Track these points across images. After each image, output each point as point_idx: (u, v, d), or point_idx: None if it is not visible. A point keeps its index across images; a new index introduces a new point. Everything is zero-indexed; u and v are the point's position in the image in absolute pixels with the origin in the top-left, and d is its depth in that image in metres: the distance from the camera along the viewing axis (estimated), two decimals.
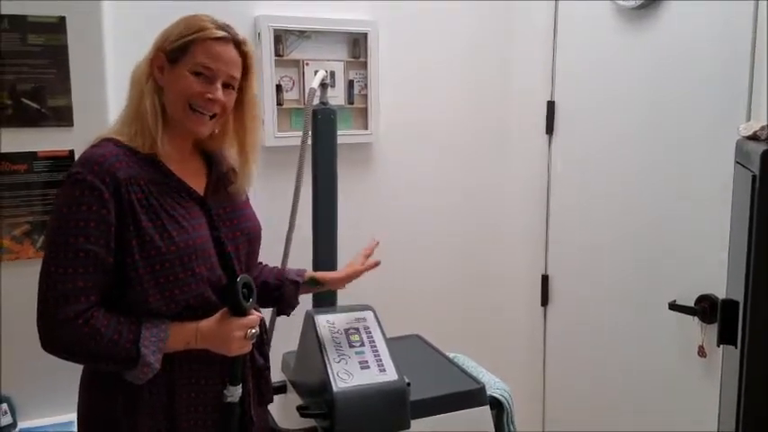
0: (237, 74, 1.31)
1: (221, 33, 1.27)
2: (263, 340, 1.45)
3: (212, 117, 1.31)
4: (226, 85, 1.30)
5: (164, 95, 1.29)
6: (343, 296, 1.87)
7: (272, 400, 1.52)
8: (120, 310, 1.23)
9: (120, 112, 1.33)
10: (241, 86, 1.34)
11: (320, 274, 1.59)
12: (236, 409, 1.34)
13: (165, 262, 1.22)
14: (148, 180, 1.25)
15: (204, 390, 1.31)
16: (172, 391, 1.28)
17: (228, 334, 1.28)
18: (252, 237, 1.41)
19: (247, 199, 1.48)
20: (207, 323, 1.28)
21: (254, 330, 1.32)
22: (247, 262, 1.41)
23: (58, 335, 1.17)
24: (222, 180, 1.40)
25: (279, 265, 1.85)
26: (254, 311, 1.33)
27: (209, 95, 1.27)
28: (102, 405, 1.27)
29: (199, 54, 1.26)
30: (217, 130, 1.37)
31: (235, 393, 1.33)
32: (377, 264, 1.58)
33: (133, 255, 1.21)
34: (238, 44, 1.30)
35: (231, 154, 1.40)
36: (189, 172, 1.34)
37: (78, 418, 1.33)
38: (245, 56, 1.32)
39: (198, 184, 1.35)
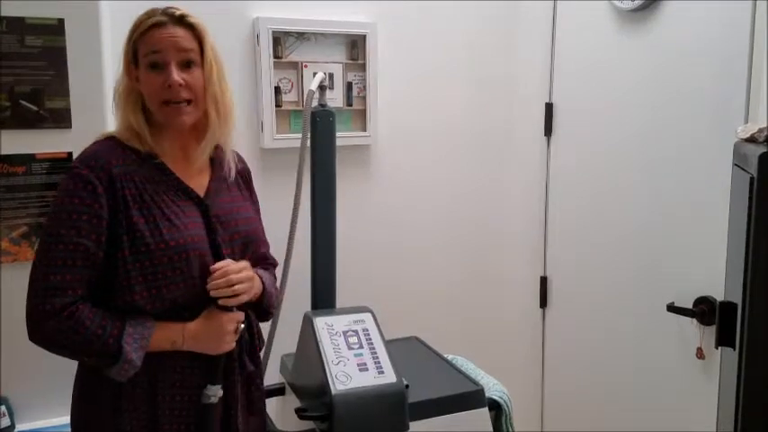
0: (190, 47, 1.27)
1: (155, 19, 1.25)
2: (255, 346, 1.44)
3: (189, 103, 1.28)
4: (185, 65, 1.27)
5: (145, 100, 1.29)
6: (341, 298, 1.87)
7: (263, 409, 1.50)
8: (107, 307, 1.23)
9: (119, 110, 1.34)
10: (201, 60, 1.29)
11: None
12: (214, 410, 1.32)
13: (154, 259, 1.23)
14: (144, 177, 1.26)
15: (187, 392, 1.30)
16: (154, 391, 1.27)
17: (221, 329, 1.29)
18: (248, 240, 1.40)
19: (253, 199, 1.48)
20: (195, 323, 1.28)
21: (242, 324, 1.34)
22: None
23: (43, 326, 1.18)
24: (226, 182, 1.40)
25: (282, 266, 1.85)
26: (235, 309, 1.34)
27: (168, 83, 1.24)
28: (90, 409, 1.28)
29: (143, 47, 1.26)
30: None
31: (216, 393, 1.31)
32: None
33: (123, 250, 1.21)
34: (179, 20, 1.27)
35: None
36: (193, 172, 1.34)
37: (71, 420, 1.34)
38: (192, 29, 1.28)
39: (200, 184, 1.35)
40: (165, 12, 1.27)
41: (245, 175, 1.49)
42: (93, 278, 1.22)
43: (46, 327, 1.18)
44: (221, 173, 1.39)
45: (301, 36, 2.12)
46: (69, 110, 1.73)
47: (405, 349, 1.93)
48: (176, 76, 1.24)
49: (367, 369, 1.54)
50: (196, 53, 1.28)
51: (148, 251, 1.22)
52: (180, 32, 1.26)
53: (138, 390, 1.26)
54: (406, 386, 1.53)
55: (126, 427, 1.25)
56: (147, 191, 1.25)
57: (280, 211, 1.81)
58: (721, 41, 1.72)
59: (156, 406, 1.27)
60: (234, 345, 1.34)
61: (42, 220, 1.73)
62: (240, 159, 1.48)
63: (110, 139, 1.28)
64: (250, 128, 2.09)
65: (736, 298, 1.23)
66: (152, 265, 1.23)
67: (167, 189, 1.29)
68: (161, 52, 1.24)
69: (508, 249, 2.56)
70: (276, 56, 2.08)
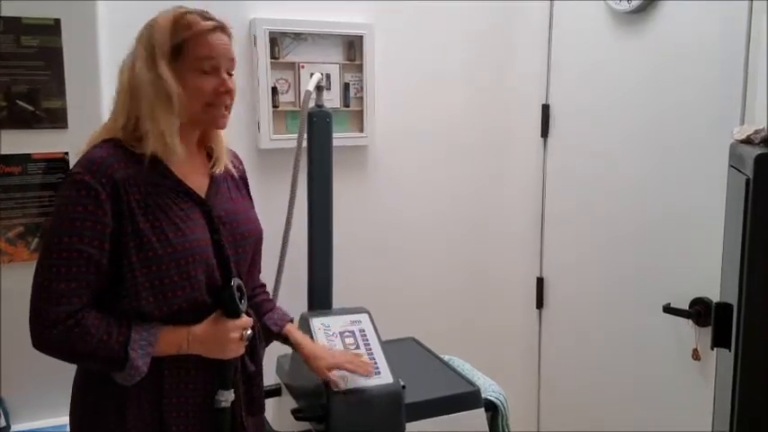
0: (233, 57, 1.31)
1: (210, 24, 1.26)
2: (255, 346, 1.43)
3: (226, 108, 1.31)
4: (228, 73, 1.30)
5: None
6: (338, 299, 1.87)
7: (263, 409, 1.49)
8: (113, 313, 1.22)
9: (116, 110, 1.29)
10: None
11: (296, 341, 1.53)
12: (227, 414, 1.32)
13: (162, 264, 1.22)
14: (146, 181, 1.24)
15: (193, 394, 1.29)
16: (160, 395, 1.26)
17: (225, 336, 1.28)
18: (252, 240, 1.39)
19: (251, 200, 1.47)
20: (200, 327, 1.27)
21: (249, 332, 1.32)
22: (245, 266, 1.39)
23: (48, 334, 1.17)
24: (225, 181, 1.40)
25: (276, 267, 1.85)
26: (244, 315, 1.33)
27: (222, 88, 1.28)
28: (93, 410, 1.27)
29: (197, 50, 1.25)
30: None
31: (228, 398, 1.32)
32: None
33: (130, 256, 1.20)
34: (225, 29, 1.29)
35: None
36: (193, 170, 1.33)
37: (71, 424, 1.32)
38: (230, 38, 1.31)
39: (201, 183, 1.34)
40: (211, 18, 1.28)
41: (243, 177, 1.49)
42: (98, 285, 1.21)
43: (51, 334, 1.17)
44: (220, 172, 1.38)
45: (298, 37, 2.12)
46: (65, 110, 1.73)
47: (401, 350, 1.93)
48: (231, 84, 1.29)
49: None
50: (235, 63, 1.32)
51: (156, 256, 1.21)
52: (227, 40, 1.30)
53: (144, 393, 1.25)
54: (403, 387, 1.53)
55: (132, 430, 1.25)
56: (151, 195, 1.24)
57: (276, 212, 1.81)
58: (718, 43, 1.73)
59: (162, 409, 1.27)
60: (242, 351, 1.33)
61: (39, 220, 1.73)
62: (238, 160, 1.48)
63: (110, 142, 1.25)
64: (247, 128, 2.09)
65: (732, 299, 1.23)
66: (159, 270, 1.22)
67: (169, 191, 1.27)
68: (216, 58, 1.27)
69: (505, 250, 2.56)
70: (273, 56, 2.08)
